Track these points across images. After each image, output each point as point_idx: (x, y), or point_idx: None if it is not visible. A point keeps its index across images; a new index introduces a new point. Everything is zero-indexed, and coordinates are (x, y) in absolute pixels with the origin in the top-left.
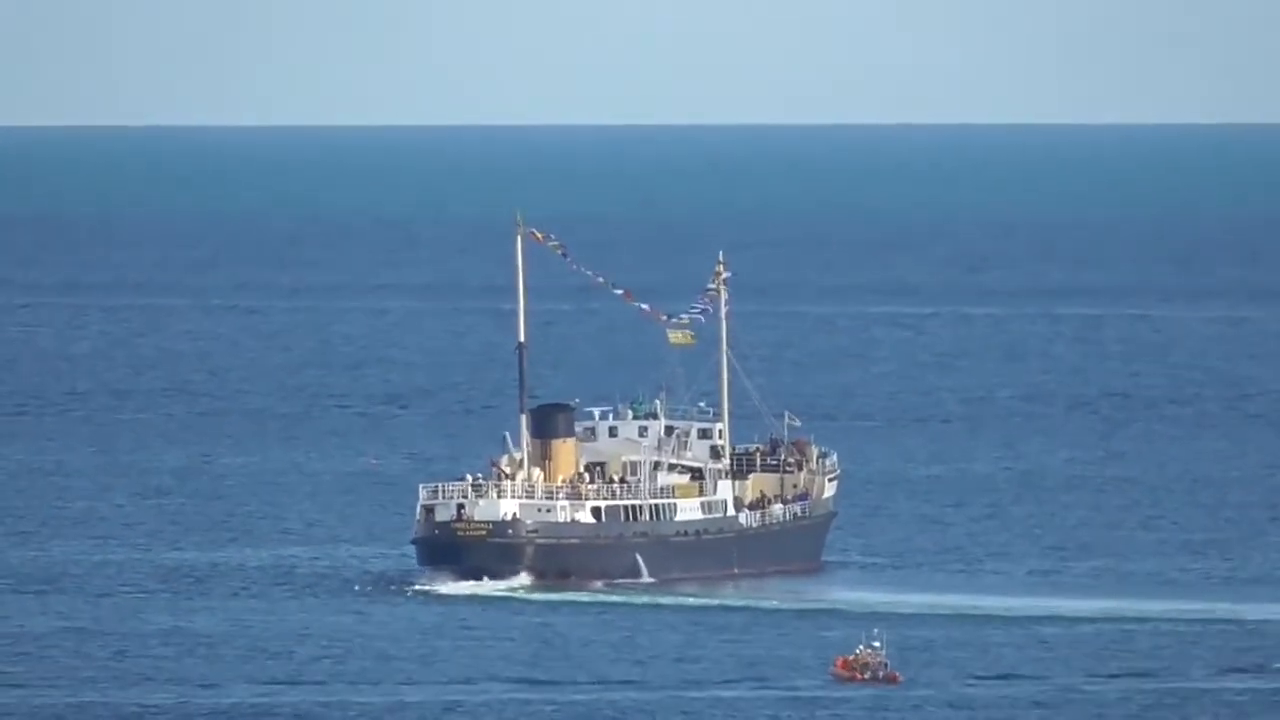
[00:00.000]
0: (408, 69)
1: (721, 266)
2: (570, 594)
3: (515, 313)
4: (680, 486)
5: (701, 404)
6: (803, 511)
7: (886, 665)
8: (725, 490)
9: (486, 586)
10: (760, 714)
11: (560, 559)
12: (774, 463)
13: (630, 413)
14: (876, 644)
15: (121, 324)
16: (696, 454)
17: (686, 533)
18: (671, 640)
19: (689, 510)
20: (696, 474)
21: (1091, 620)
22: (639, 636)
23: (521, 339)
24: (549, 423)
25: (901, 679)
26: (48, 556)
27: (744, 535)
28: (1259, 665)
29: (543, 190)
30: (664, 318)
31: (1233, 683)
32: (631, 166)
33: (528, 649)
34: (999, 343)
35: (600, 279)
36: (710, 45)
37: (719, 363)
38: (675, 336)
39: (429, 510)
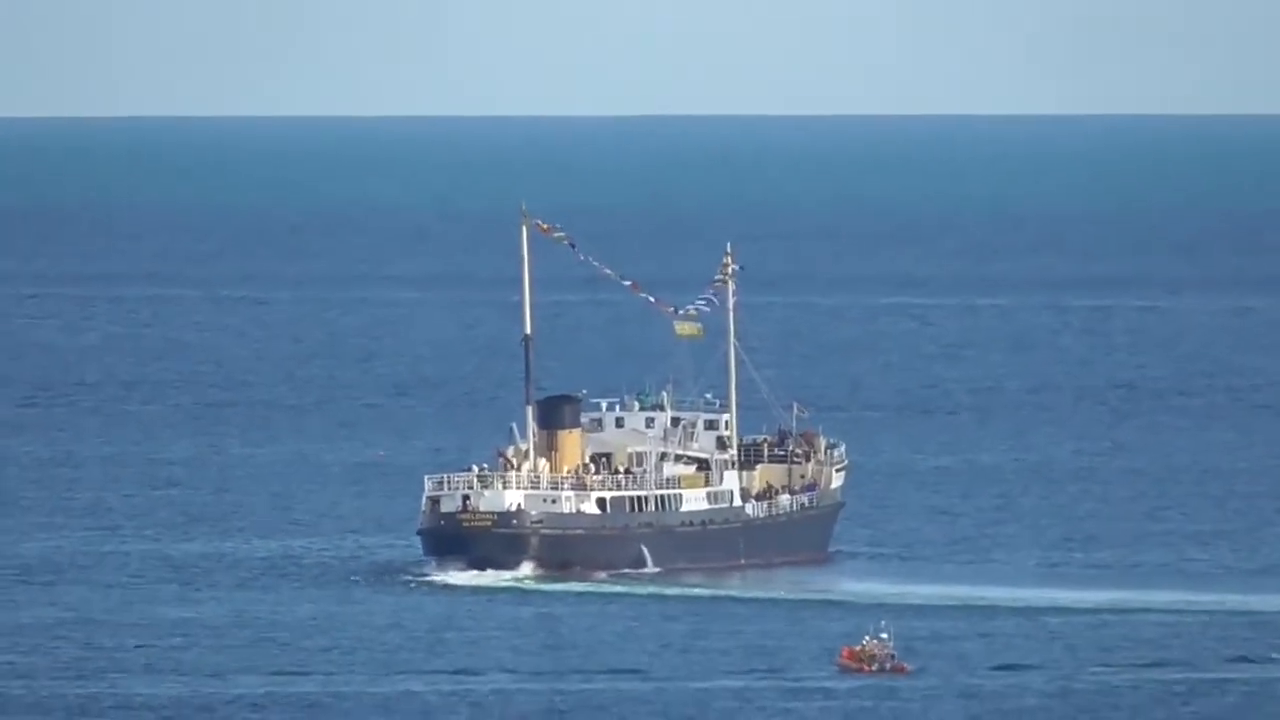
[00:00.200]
0: (413, 60)
1: (730, 258)
2: (575, 584)
3: (521, 304)
4: (686, 477)
5: (708, 395)
6: (810, 502)
7: (894, 656)
8: (731, 481)
9: (491, 577)
10: (766, 704)
11: (565, 550)
12: (781, 453)
13: (637, 404)
14: (884, 635)
15: (129, 315)
16: (703, 445)
17: (692, 523)
18: (676, 631)
19: (695, 501)
20: (703, 465)
21: (1099, 611)
22: (644, 627)
23: (528, 331)
24: (555, 414)
25: (909, 670)
26: (56, 547)
27: (750, 526)
28: (1267, 656)
29: (549, 182)
30: (671, 310)
31: (1240, 673)
32: (638, 158)
33: (532, 639)
34: (1006, 334)
35: (607, 270)
36: (718, 36)
37: (727, 354)
38: (682, 328)
39: (435, 501)
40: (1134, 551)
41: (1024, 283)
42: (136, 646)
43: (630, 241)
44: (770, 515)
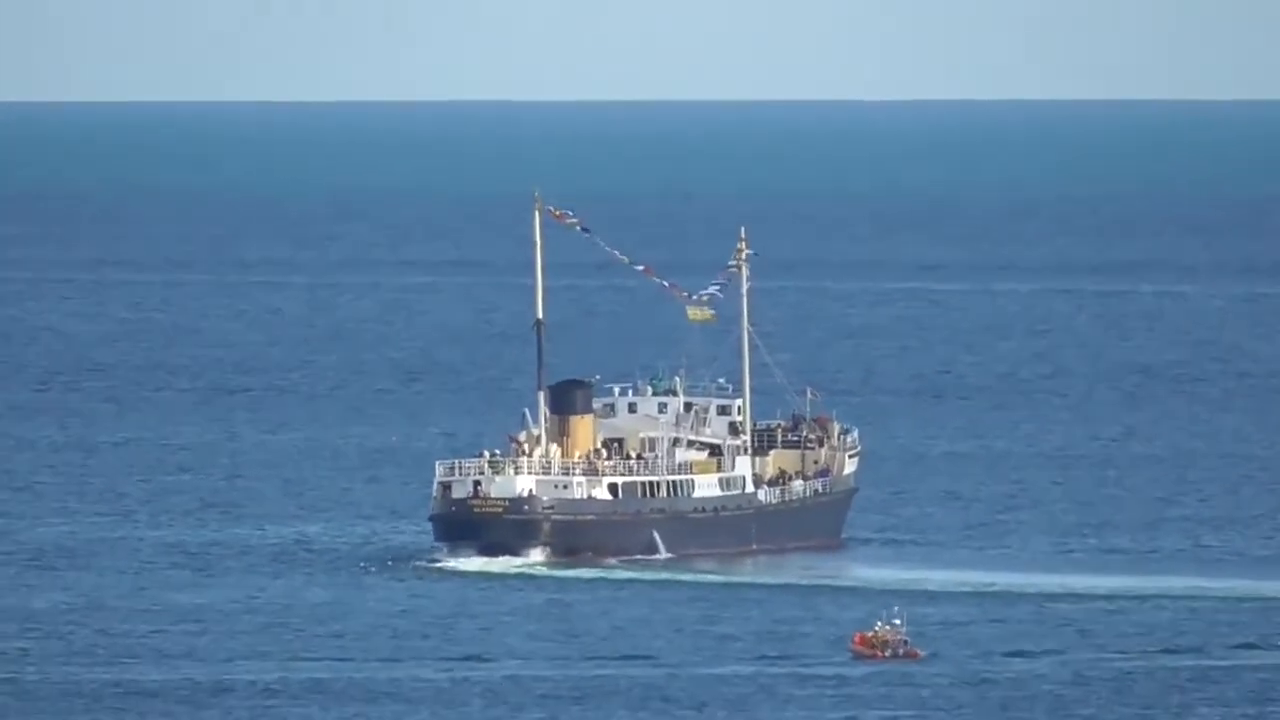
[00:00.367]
0: (426, 45)
1: (743, 243)
2: (587, 570)
3: (534, 290)
4: (698, 463)
5: (721, 380)
6: (823, 488)
7: (906, 642)
8: (744, 466)
9: (502, 563)
10: (779, 690)
11: (577, 535)
12: (795, 439)
13: (650, 389)
14: (896, 620)
15: (141, 301)
16: (715, 430)
17: (704, 509)
18: (688, 616)
19: (707, 487)
20: (715, 450)
21: (1113, 597)
22: (656, 613)
23: (540, 316)
24: (567, 399)
25: (921, 655)
26: (69, 532)
27: (763, 512)
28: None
29: (563, 167)
30: (684, 294)
31: (1255, 659)
32: (651, 144)
33: (544, 626)
34: (1021, 319)
35: (619, 255)
36: (730, 21)
37: (740, 339)
38: (695, 313)
39: (446, 487)
40: (1148, 537)
41: (1038, 268)
42: (149, 632)
43: (644, 227)
44: (783, 501)
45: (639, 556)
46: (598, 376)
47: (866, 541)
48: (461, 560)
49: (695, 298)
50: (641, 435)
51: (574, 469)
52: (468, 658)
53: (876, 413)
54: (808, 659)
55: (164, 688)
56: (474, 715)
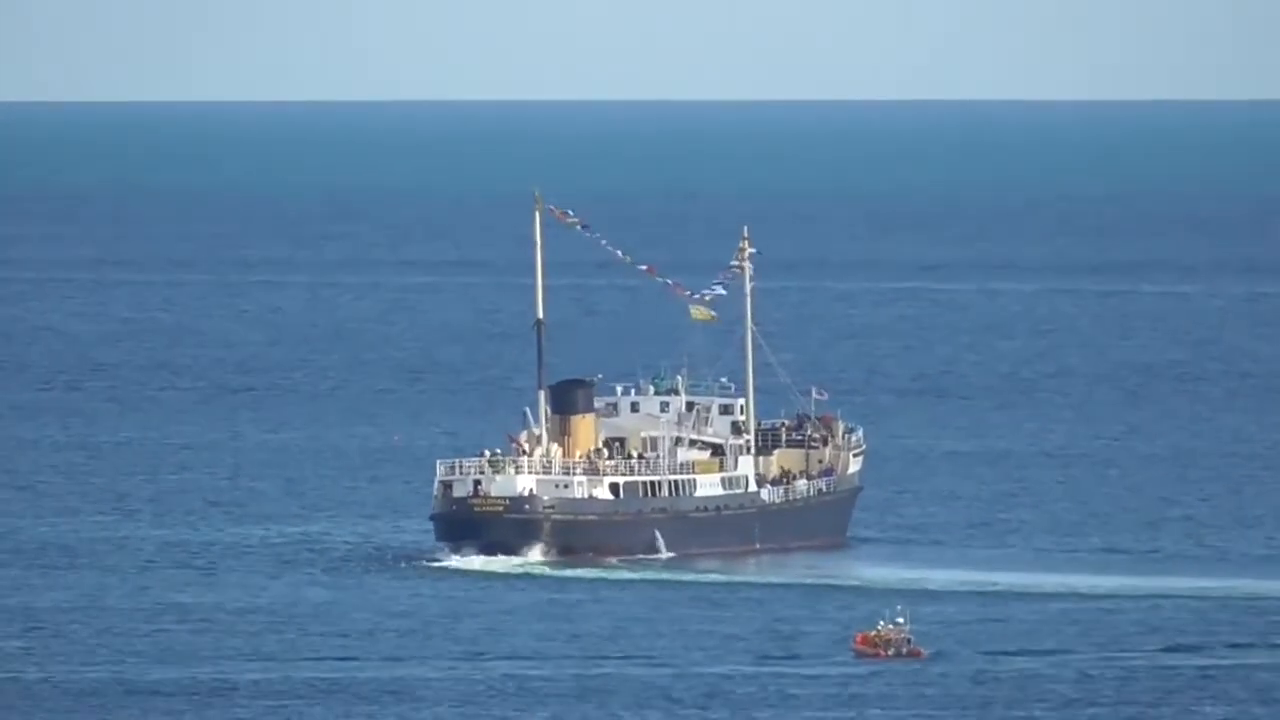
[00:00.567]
0: (426, 44)
1: (746, 243)
2: (587, 570)
3: (534, 289)
4: (700, 462)
5: (723, 380)
6: (827, 487)
7: (910, 641)
8: (747, 466)
9: (502, 562)
10: (782, 690)
11: (577, 535)
12: (799, 438)
13: (652, 388)
14: (900, 619)
15: (143, 300)
16: (718, 430)
17: (706, 508)
18: (690, 616)
19: (709, 486)
20: (718, 450)
21: (1115, 596)
22: (657, 612)
23: (540, 315)
24: (568, 398)
25: (924, 654)
26: (72, 532)
27: (766, 511)
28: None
29: (564, 167)
30: (687, 294)
31: (1257, 659)
32: (652, 143)
33: (543, 625)
34: (1023, 318)
35: (621, 255)
36: (733, 21)
37: (744, 338)
38: (697, 313)
39: (447, 486)
40: (1150, 536)
41: (1040, 267)
42: (152, 631)
43: (645, 226)
44: (786, 500)
45: (640, 556)
46: (600, 376)
47: (870, 541)
48: (462, 559)
49: (698, 297)
50: (643, 434)
51: (575, 468)
52: (468, 657)
53: (879, 412)
54: (810, 659)
55: (167, 687)
56: (475, 714)
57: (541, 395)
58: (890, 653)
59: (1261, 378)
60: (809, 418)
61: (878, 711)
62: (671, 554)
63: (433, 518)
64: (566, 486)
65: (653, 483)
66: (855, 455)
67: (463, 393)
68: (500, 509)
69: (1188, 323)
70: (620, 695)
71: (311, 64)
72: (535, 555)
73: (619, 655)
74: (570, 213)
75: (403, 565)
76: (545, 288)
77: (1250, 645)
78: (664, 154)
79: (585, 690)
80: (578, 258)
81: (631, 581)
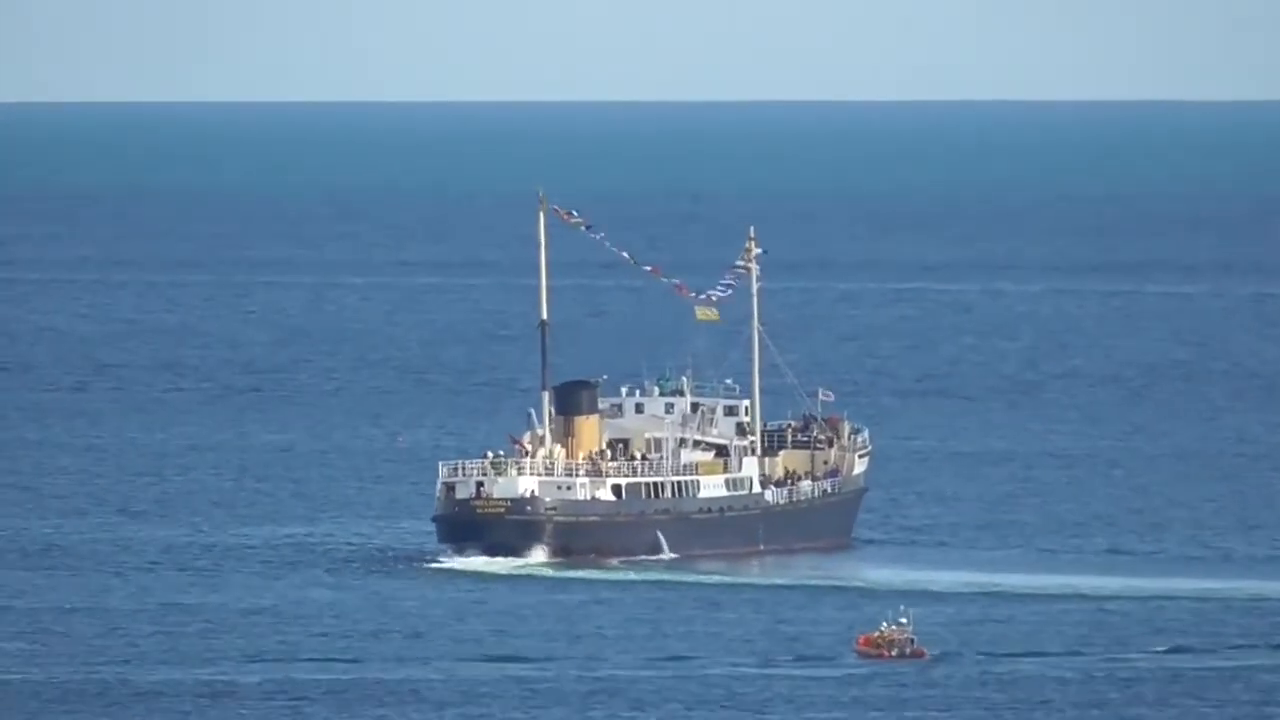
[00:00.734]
0: (430, 44)
1: (752, 243)
2: (589, 571)
3: (538, 290)
4: (704, 463)
5: (728, 381)
6: (833, 488)
7: (913, 641)
8: (751, 467)
9: (504, 564)
10: (787, 691)
11: (579, 536)
12: (805, 439)
13: (657, 389)
14: (903, 620)
15: (146, 301)
16: (722, 431)
17: (710, 510)
18: (692, 617)
19: (712, 487)
20: (722, 451)
21: (1120, 597)
22: (660, 613)
23: (544, 316)
24: (571, 399)
25: (928, 654)
26: (76, 533)
27: (770, 512)
28: None
29: (568, 167)
30: (692, 294)
31: (1264, 660)
32: (656, 143)
33: (545, 625)
34: (1028, 319)
35: (625, 255)
36: (737, 21)
37: (750, 339)
38: (702, 313)
39: (450, 488)
40: (1154, 538)
41: (1044, 267)
42: (157, 632)
43: (649, 227)
44: (791, 502)
45: (643, 557)
46: (604, 377)
47: (876, 541)
48: (464, 561)
49: (703, 298)
50: (647, 436)
51: (577, 470)
52: (471, 658)
53: (882, 413)
54: (814, 660)
55: (171, 688)
56: (478, 715)
57: (545, 396)
58: (894, 653)
59: (1266, 378)
60: (815, 419)
61: (882, 714)
62: (674, 555)
63: (435, 519)
64: (569, 488)
65: (655, 484)
66: (861, 456)
67: (467, 394)
68: (502, 510)
69: (1192, 323)
70: (623, 698)
71: (313, 64)
72: (537, 557)
73: (621, 656)
74: (574, 213)
75: (405, 567)
76: (550, 289)
77: (1254, 647)
78: (667, 154)
79: (588, 692)
80: (583, 258)
81: (634, 583)
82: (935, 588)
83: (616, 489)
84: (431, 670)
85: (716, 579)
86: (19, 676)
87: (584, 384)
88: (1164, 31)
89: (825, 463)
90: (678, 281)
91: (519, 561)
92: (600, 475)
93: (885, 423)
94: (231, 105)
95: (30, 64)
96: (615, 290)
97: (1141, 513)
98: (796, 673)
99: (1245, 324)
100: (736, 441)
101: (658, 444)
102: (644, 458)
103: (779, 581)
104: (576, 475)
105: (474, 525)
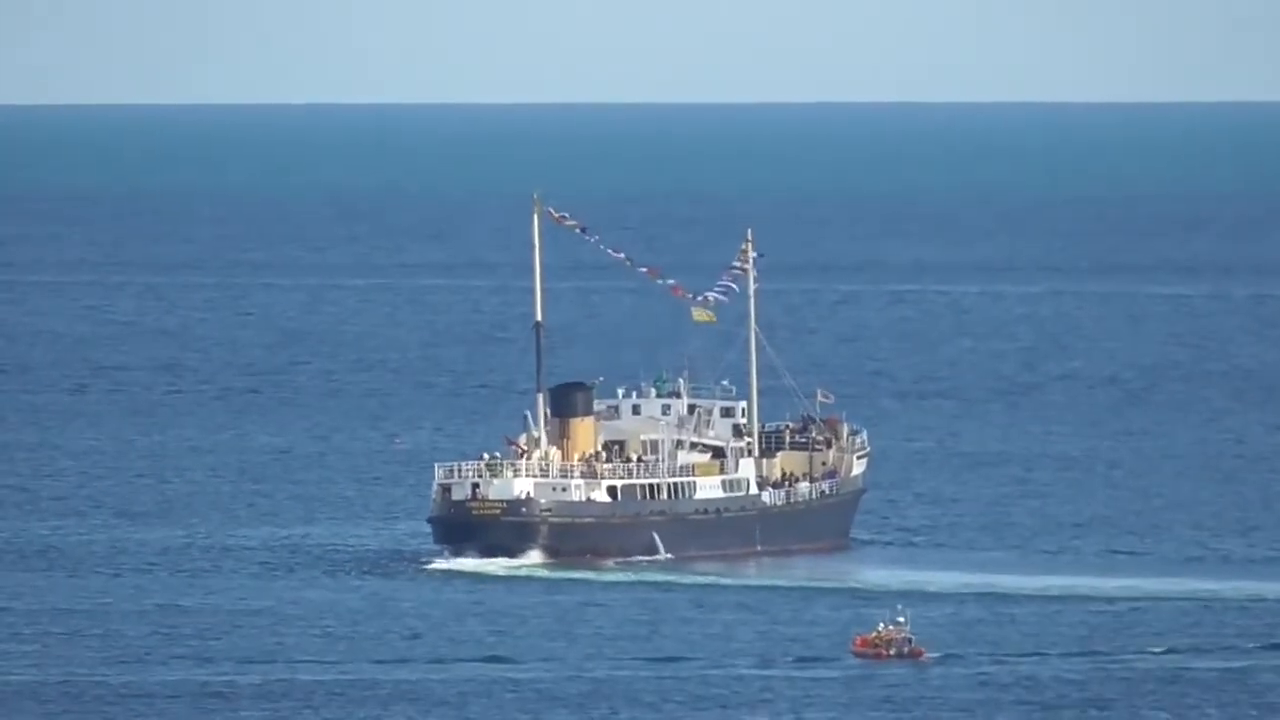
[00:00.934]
0: (427, 45)
1: (749, 245)
2: (584, 572)
3: (533, 291)
4: (700, 465)
5: (725, 382)
6: (830, 489)
7: (911, 641)
8: (747, 469)
9: (500, 565)
10: (785, 692)
11: (575, 537)
12: (803, 440)
13: (654, 391)
14: (900, 619)
15: (147, 303)
16: (719, 432)
17: (706, 511)
18: (687, 618)
19: (709, 488)
20: (718, 452)
21: (1118, 599)
22: (657, 614)
23: (539, 318)
24: (567, 401)
25: (925, 654)
26: (76, 535)
27: (767, 513)
28: None
29: (565, 169)
30: (688, 296)
31: (1264, 660)
32: (653, 145)
33: (542, 626)
34: (1027, 320)
35: (621, 256)
36: (734, 23)
37: (748, 341)
38: (699, 315)
39: (445, 489)
40: (1153, 539)
41: (1044, 268)
42: (156, 634)
43: (645, 228)
44: (788, 503)
45: (639, 558)
46: (601, 379)
47: (874, 542)
48: (459, 562)
49: (700, 299)
50: (643, 437)
51: (572, 471)
52: (468, 659)
53: (881, 414)
54: (812, 661)
55: (170, 690)
56: (475, 716)
57: (540, 398)
58: (891, 652)
59: (1265, 379)
60: (814, 420)
61: (882, 714)
62: (670, 556)
63: (431, 520)
64: (564, 489)
65: (651, 485)
66: (859, 458)
67: (465, 396)
68: (497, 512)
69: (1191, 325)
70: (620, 698)
71: (314, 67)
72: (532, 558)
73: (619, 657)
74: (568, 216)
75: (402, 568)
76: (545, 291)
77: (1254, 648)
78: (664, 156)
79: (583, 693)
80: (580, 260)
81: (629, 584)
82: (934, 589)
83: (612, 490)
84: (428, 671)
85: (712, 580)
86: (18, 678)
87: (579, 386)
88: (1163, 33)
89: (824, 464)
90: (674, 283)
91: (514, 563)
92: (595, 477)
93: (884, 424)
94: (232, 107)
95: (29, 67)
96: (613, 292)
97: (1140, 514)
98: (795, 674)
99: (1244, 325)
100: (733, 443)
101: (654, 445)
102: (640, 459)
103: (773, 583)
104: (571, 477)
105: (469, 527)
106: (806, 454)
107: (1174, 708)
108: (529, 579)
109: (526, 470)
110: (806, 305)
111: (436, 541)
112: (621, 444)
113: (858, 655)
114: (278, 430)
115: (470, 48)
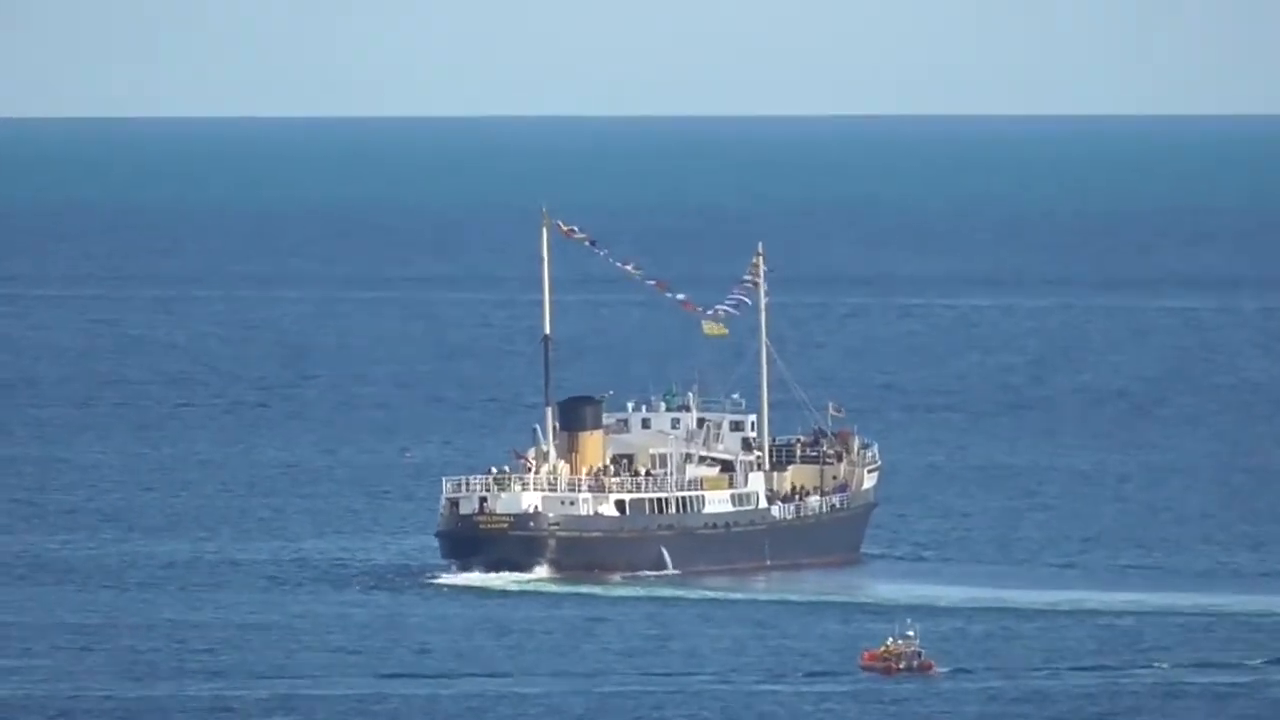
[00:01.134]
0: (433, 60)
1: (760, 259)
2: (592, 587)
3: (541, 305)
4: (709, 479)
5: (735, 396)
6: (841, 503)
7: (920, 654)
8: (757, 483)
9: (507, 579)
10: (795, 706)
11: (582, 551)
12: (813, 454)
13: (663, 405)
14: (910, 633)
15: (150, 317)
16: (728, 446)
17: (715, 525)
18: (697, 633)
19: (717, 502)
20: (728, 466)
21: (1127, 613)
22: (667, 629)
23: (547, 331)
24: (575, 415)
25: (935, 667)
26: (83, 549)
27: (776, 527)
28: None
29: (573, 182)
30: (698, 309)
31: (1270, 675)
32: (663, 158)
33: (549, 641)
34: (1036, 333)
35: (632, 270)
36: (743, 36)
37: (759, 354)
38: (709, 328)
39: (453, 503)
40: (1163, 553)
41: (1053, 282)
42: (162, 649)
43: (656, 241)
44: (798, 517)
45: (647, 573)
46: (610, 392)
47: (885, 557)
48: (467, 576)
49: (710, 313)
50: (652, 451)
51: (581, 485)
52: (473, 673)
53: (892, 427)
54: (821, 675)
55: (179, 705)
56: None
57: (549, 412)
58: (901, 666)
59: (1274, 393)
60: (825, 433)
61: None
62: (678, 571)
63: (438, 534)
64: (572, 503)
65: (659, 499)
66: (870, 471)
67: (474, 409)
68: (505, 526)
69: (1199, 338)
70: (626, 714)
71: (316, 80)
72: (540, 572)
73: (627, 673)
74: (577, 229)
75: (410, 582)
76: (555, 304)
77: (1263, 663)
78: (674, 169)
79: (591, 708)
80: (589, 273)
81: (637, 598)
82: (944, 603)
83: (620, 504)
84: (436, 685)
85: (721, 594)
86: (24, 692)
87: (588, 399)
88: (1169, 46)
89: (834, 478)
90: (684, 297)
91: (522, 577)
92: (604, 491)
93: (894, 437)
94: (236, 120)
95: (30, 79)
96: (623, 306)
97: (1149, 528)
98: (804, 688)
99: (1253, 339)
100: (743, 457)
101: (663, 459)
102: (648, 473)
103: (785, 597)
104: (580, 491)
105: (477, 541)
106: (817, 468)
107: None
108: (537, 593)
109: (534, 484)
110: (814, 319)
111: (444, 556)
112: (630, 458)
113: (866, 669)
114: (286, 444)
115: (473, 61)
